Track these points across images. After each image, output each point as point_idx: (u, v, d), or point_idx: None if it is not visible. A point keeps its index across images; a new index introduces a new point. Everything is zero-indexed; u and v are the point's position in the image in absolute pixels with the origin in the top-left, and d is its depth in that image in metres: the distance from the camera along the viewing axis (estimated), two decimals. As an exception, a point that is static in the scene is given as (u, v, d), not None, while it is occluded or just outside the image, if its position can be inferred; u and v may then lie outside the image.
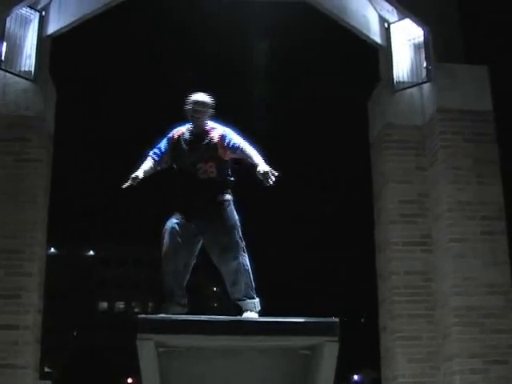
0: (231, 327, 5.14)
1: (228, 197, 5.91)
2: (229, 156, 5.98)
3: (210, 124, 6.07)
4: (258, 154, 5.84)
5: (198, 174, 5.87)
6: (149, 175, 6.02)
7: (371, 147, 11.72)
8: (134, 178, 5.84)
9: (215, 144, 5.95)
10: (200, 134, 6.01)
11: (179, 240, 5.74)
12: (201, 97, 6.02)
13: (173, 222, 5.81)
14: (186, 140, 6.03)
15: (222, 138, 5.97)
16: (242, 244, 5.77)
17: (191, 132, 6.07)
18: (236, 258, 5.68)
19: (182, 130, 6.12)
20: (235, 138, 5.97)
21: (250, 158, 5.80)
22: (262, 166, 5.64)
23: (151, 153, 6.11)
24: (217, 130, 6.03)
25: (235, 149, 5.91)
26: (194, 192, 5.85)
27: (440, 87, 10.75)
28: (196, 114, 5.96)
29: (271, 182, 5.58)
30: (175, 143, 6.06)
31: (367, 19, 11.77)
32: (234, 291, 5.69)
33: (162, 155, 6.09)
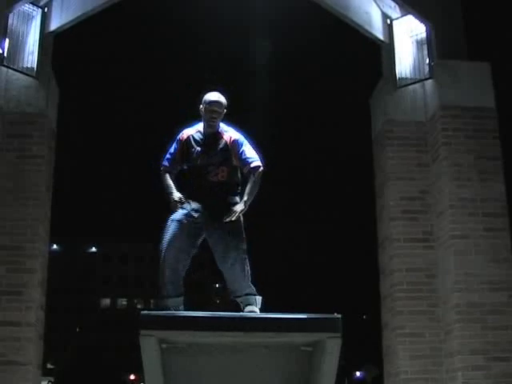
0: (233, 324, 5.14)
1: (237, 199, 5.83)
2: (238, 165, 5.92)
3: (222, 126, 5.96)
4: (254, 186, 5.78)
5: (209, 176, 5.79)
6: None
7: (373, 143, 11.72)
8: (179, 200, 5.72)
9: (228, 149, 5.86)
10: (212, 135, 5.89)
11: (184, 230, 5.68)
12: (218, 96, 5.88)
13: (180, 212, 5.74)
14: (196, 141, 5.90)
15: (235, 143, 5.86)
16: (245, 246, 5.76)
17: (203, 133, 5.93)
18: (238, 258, 5.68)
19: (191, 131, 5.98)
20: (247, 152, 5.86)
21: (247, 185, 5.79)
22: (240, 205, 5.71)
23: (165, 162, 5.97)
24: (229, 133, 5.92)
25: (243, 164, 5.85)
26: (204, 193, 5.78)
27: (442, 84, 10.74)
28: (214, 115, 5.83)
29: (229, 219, 5.63)
30: (185, 144, 5.92)
31: (370, 15, 11.76)
32: (235, 289, 5.69)
33: (173, 159, 5.95)
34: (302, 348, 5.38)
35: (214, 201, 5.77)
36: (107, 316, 72.81)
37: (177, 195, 5.77)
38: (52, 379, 51.62)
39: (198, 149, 5.86)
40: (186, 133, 5.99)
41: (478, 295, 9.78)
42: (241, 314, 5.48)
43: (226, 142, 5.87)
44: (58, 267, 49.25)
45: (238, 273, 5.67)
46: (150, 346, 5.04)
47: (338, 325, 5.14)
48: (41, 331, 10.19)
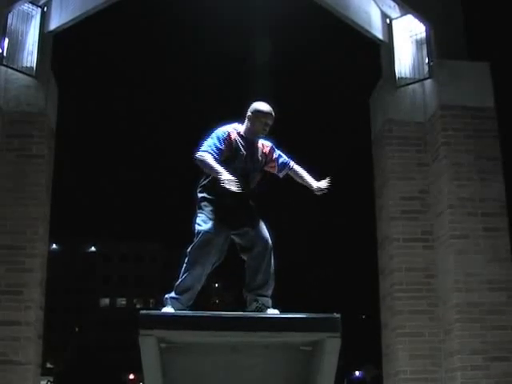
0: (233, 323, 5.13)
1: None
2: (275, 171, 5.99)
3: None
4: (304, 171, 5.96)
5: (250, 182, 5.82)
6: None
7: (373, 143, 11.72)
8: (232, 180, 5.45)
9: (267, 157, 5.94)
10: (253, 142, 5.89)
11: (215, 248, 5.59)
12: (271, 109, 5.86)
13: (212, 226, 5.59)
14: (242, 144, 5.82)
15: (272, 150, 5.97)
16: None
17: (245, 138, 5.87)
18: (271, 260, 5.71)
19: (234, 132, 5.87)
20: (283, 155, 6.00)
21: (301, 177, 5.92)
22: (317, 183, 5.82)
23: (211, 150, 5.64)
24: (264, 142, 5.97)
25: (284, 165, 5.97)
26: (241, 197, 5.65)
27: (442, 83, 10.74)
28: (266, 127, 5.84)
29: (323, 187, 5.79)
30: (231, 144, 5.78)
31: (369, 15, 11.77)
32: (263, 287, 5.66)
33: (220, 154, 5.68)
34: (302, 348, 5.38)
35: (247, 209, 5.76)
36: (107, 316, 72.80)
37: (226, 175, 5.45)
38: (51, 379, 51.63)
39: (244, 153, 5.80)
40: (232, 132, 5.85)
41: (477, 295, 9.79)
42: (240, 313, 5.47)
43: (261, 150, 5.93)
44: (58, 267, 49.24)
45: (270, 274, 5.68)
46: (149, 345, 5.03)
47: (338, 324, 5.13)
48: (40, 331, 10.19)
